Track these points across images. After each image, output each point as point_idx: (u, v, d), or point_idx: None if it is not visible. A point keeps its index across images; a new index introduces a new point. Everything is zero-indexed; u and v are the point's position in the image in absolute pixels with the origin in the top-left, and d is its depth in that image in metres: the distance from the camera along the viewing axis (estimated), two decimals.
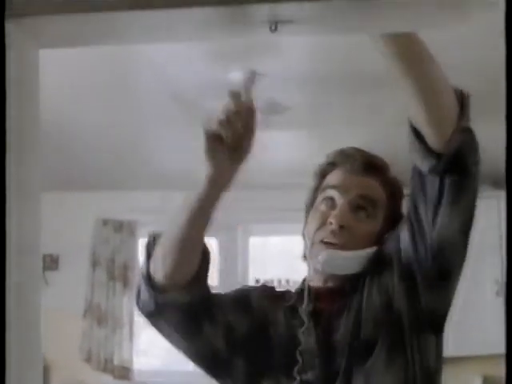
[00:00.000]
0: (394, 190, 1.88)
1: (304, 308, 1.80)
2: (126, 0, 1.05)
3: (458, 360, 5.12)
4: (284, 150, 5.21)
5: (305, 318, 1.79)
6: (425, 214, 1.68)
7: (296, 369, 1.75)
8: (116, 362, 6.08)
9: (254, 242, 6.35)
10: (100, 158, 5.51)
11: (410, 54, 1.46)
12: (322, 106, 4.32)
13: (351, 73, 3.80)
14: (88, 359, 6.07)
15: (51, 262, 6.22)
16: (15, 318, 1.03)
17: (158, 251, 1.74)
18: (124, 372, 6.08)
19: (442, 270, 1.71)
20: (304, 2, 1.05)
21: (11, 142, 1.01)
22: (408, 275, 1.73)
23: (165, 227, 1.77)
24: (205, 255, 1.77)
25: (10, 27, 1.02)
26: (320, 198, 1.89)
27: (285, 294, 1.91)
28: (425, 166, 1.61)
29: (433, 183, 1.63)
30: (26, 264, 1.07)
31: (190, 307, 1.76)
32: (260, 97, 3.98)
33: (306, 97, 4.23)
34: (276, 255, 6.43)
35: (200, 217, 1.66)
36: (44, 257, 6.21)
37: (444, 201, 1.63)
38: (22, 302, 1.07)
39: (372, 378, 1.70)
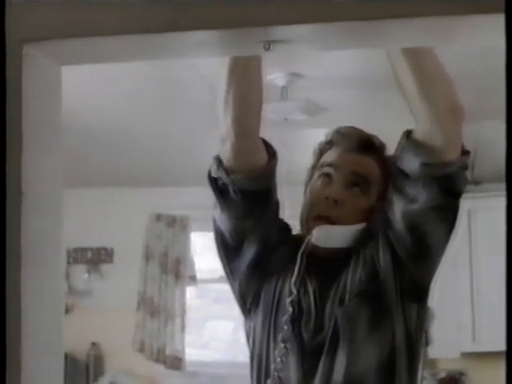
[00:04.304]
0: (389, 169, 1.90)
1: (294, 280, 1.87)
2: (140, 25, 1.16)
3: None
4: None
5: (293, 289, 1.86)
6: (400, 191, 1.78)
7: (286, 317, 1.84)
8: (168, 352, 6.25)
9: None
10: (154, 157, 5.71)
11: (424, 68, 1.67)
12: (360, 106, 4.43)
13: (390, 73, 3.90)
14: (141, 349, 6.26)
15: (106, 256, 6.42)
16: (33, 313, 1.07)
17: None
18: (176, 362, 6.26)
19: (419, 244, 1.80)
20: (292, 25, 1.17)
21: (29, 140, 1.05)
22: (392, 248, 1.82)
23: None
24: (272, 153, 1.89)
25: (28, 49, 1.06)
26: (316, 175, 1.96)
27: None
28: (416, 169, 1.73)
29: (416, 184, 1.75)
30: (46, 258, 1.11)
31: (251, 195, 1.86)
32: (299, 97, 4.12)
33: (345, 97, 4.34)
34: None
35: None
36: (99, 250, 6.41)
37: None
38: (41, 297, 1.09)
39: (356, 344, 1.80)
